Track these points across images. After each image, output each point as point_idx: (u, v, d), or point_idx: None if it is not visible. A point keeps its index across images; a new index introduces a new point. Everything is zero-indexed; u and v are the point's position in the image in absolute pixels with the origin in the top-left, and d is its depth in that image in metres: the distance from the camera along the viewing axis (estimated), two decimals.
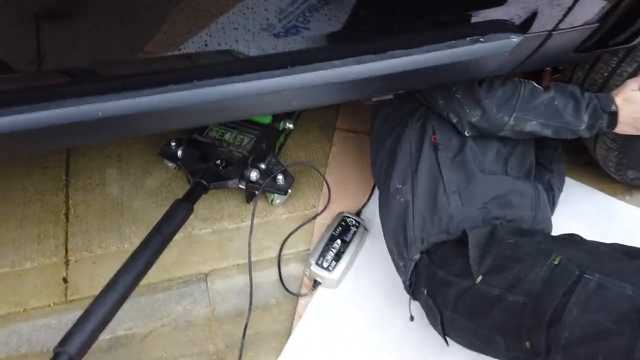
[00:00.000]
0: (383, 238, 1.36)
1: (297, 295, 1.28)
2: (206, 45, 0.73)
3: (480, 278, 0.95)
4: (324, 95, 0.90)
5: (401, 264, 1.14)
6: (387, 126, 1.28)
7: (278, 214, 1.41)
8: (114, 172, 1.43)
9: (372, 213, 1.41)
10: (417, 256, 1.09)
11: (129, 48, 0.71)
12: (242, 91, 0.81)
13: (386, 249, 1.34)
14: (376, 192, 1.46)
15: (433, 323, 1.08)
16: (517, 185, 1.14)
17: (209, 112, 0.83)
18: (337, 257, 1.28)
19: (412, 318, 1.21)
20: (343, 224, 1.34)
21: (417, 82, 0.95)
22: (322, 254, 1.28)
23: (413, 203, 1.11)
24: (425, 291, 1.07)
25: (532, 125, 1.08)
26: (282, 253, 1.34)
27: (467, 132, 1.13)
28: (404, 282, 1.15)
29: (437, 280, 1.04)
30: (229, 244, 1.34)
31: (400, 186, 1.15)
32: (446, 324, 1.03)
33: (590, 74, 1.29)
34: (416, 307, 1.18)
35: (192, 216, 1.17)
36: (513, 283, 0.91)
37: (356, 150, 1.55)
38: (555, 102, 1.07)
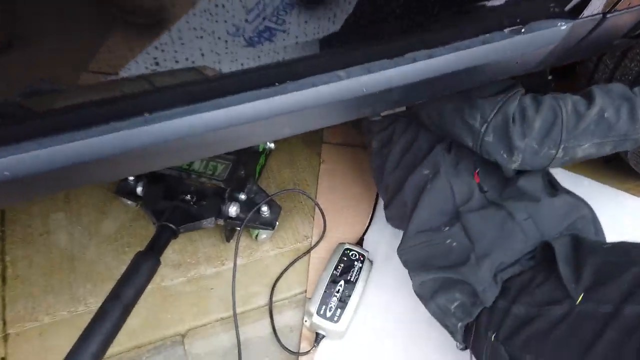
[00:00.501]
0: (389, 269, 1.15)
1: (297, 354, 1.06)
2: (157, 64, 0.50)
3: (581, 297, 0.77)
4: (325, 117, 0.67)
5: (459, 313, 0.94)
6: (401, 148, 1.08)
7: (265, 251, 1.18)
8: (61, 217, 1.18)
9: (374, 240, 1.19)
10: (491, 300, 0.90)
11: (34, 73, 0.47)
12: (212, 122, 0.58)
13: (395, 281, 1.13)
14: (378, 214, 1.25)
15: None
16: (578, 202, 0.97)
17: (169, 153, 0.60)
18: (342, 302, 1.06)
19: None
20: (344, 259, 1.12)
21: (446, 87, 0.73)
22: (324, 301, 1.06)
23: (474, 245, 0.93)
24: (492, 336, 0.87)
25: (585, 149, 0.89)
26: (274, 299, 1.11)
27: (513, 173, 0.98)
28: (454, 332, 0.96)
29: (512, 319, 0.85)
30: (209, 295, 1.11)
31: (447, 228, 0.96)
32: None
33: (622, 62, 1.11)
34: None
35: (161, 264, 0.94)
36: (630, 291, 0.73)
37: (349, 166, 1.33)
38: (606, 114, 0.87)
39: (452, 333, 0.98)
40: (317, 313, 1.05)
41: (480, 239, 0.93)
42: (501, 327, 0.86)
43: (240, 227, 1.08)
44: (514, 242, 0.91)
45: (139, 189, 1.07)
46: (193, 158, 0.94)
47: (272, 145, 1.21)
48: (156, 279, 1.11)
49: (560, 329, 0.77)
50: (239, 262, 1.16)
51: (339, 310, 1.05)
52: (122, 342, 1.03)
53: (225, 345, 1.05)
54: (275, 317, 1.09)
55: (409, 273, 1.01)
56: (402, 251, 1.01)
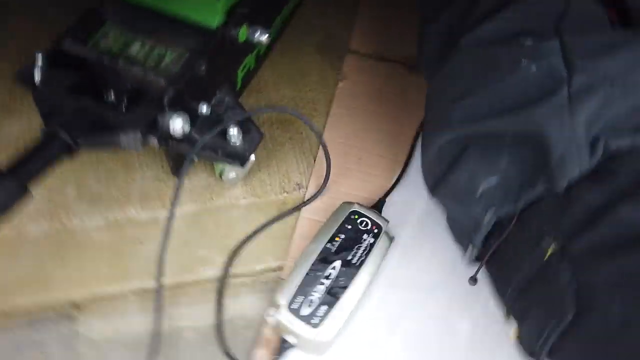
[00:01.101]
0: (420, 255, 0.74)
1: None
2: None
3: None
4: None
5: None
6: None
7: (233, 198, 0.78)
8: None
9: (402, 206, 0.77)
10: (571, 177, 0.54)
11: None
12: None
13: (428, 275, 0.73)
14: (413, 169, 0.82)
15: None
16: None
17: None
18: (332, 297, 0.66)
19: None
20: (349, 227, 0.71)
21: None
22: (303, 290, 0.66)
23: (572, 74, 0.56)
24: (552, 246, 0.53)
25: None
26: (232, 273, 0.72)
27: None
28: (470, 236, 0.65)
29: (607, 224, 0.50)
30: (134, 251, 0.73)
31: (529, 40, 0.59)
32: None
33: None
34: None
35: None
36: None
37: (380, 92, 0.90)
38: None
39: (467, 238, 0.65)
40: (288, 307, 0.65)
41: (587, 68, 0.54)
42: (575, 236, 0.51)
43: (190, 154, 0.68)
44: None
45: (37, 74, 0.68)
46: None
47: (263, 39, 0.77)
48: (59, 213, 0.74)
49: None
50: (191, 208, 0.77)
51: (323, 308, 0.65)
52: None
53: (137, 331, 0.67)
54: (226, 301, 0.70)
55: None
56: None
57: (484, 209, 0.60)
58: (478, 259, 0.65)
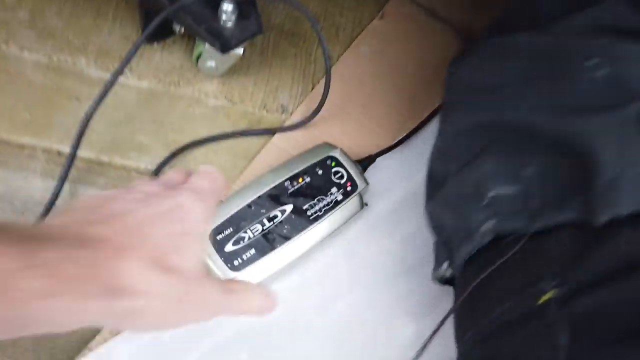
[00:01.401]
0: (392, 237, 0.62)
1: None
2: None
3: None
4: None
5: None
6: None
7: (202, 93, 0.64)
8: None
9: (391, 173, 0.64)
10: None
11: None
12: None
13: (392, 267, 0.61)
14: (419, 142, 0.68)
15: None
16: None
17: None
18: (267, 244, 0.53)
19: None
20: (319, 172, 0.58)
21: None
22: (235, 224, 0.53)
23: None
24: (552, 292, 0.40)
25: None
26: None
27: None
28: (457, 244, 0.50)
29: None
30: (67, 106, 0.60)
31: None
32: None
33: None
34: None
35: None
36: None
37: (417, 47, 0.75)
38: None
39: (447, 252, 0.51)
40: (214, 236, 0.53)
41: None
42: (588, 289, 0.39)
43: (161, 14, 0.55)
44: None
45: None
46: None
47: None
48: (0, 32, 0.61)
49: None
50: (150, 85, 0.64)
51: (251, 252, 0.53)
52: None
53: (30, 194, 0.55)
54: None
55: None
56: None
57: (486, 218, 0.46)
58: (448, 282, 0.51)
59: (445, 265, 0.50)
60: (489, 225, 0.46)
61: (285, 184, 0.56)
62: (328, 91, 0.63)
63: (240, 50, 0.60)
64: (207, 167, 0.37)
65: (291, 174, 0.57)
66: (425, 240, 0.60)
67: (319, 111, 0.64)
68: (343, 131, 0.66)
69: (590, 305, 0.38)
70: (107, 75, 0.62)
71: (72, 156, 0.55)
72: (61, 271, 0.25)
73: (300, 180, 0.57)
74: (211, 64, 0.62)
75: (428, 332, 0.54)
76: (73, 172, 0.56)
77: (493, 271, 0.44)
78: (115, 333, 0.51)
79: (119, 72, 0.54)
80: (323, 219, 0.56)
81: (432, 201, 0.54)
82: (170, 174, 0.37)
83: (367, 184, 0.59)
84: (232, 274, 0.52)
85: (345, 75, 0.70)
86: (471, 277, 0.46)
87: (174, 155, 0.60)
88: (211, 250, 0.52)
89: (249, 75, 0.67)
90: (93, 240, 0.28)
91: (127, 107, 0.61)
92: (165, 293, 0.30)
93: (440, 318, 0.55)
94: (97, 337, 0.51)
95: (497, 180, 0.46)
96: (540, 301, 0.40)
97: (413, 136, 0.67)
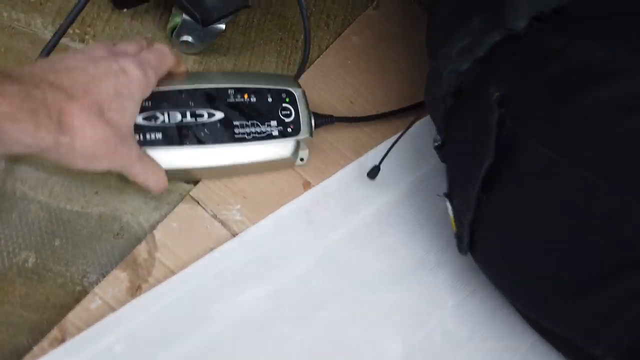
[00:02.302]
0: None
1: None
2: None
3: None
4: None
5: None
6: None
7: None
8: None
9: (383, 175, 0.59)
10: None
11: None
12: None
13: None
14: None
15: None
16: None
17: None
18: (178, 138, 0.47)
19: None
20: (269, 99, 0.51)
21: None
22: (160, 102, 0.47)
23: None
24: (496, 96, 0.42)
25: None
26: None
27: None
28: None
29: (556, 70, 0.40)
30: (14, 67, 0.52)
31: None
32: None
33: None
34: None
35: None
36: None
37: (413, 41, 0.70)
38: None
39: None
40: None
41: None
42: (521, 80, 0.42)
43: None
44: None
45: None
46: None
47: None
48: None
49: None
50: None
51: (156, 136, 0.46)
52: None
53: None
54: None
55: None
56: None
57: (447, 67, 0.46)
58: (440, 147, 0.52)
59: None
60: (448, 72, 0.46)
61: (229, 91, 0.49)
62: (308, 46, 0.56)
63: (222, 26, 0.53)
64: (160, 46, 0.45)
65: (240, 85, 0.50)
66: (411, 249, 0.55)
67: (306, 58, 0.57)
68: (326, 128, 0.60)
69: (524, 89, 0.41)
70: (65, 40, 0.54)
71: None
72: (23, 103, 0.33)
73: (245, 96, 0.50)
74: (187, 38, 0.55)
75: (417, 352, 0.49)
76: None
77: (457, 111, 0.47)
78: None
79: (64, 31, 0.46)
80: (246, 144, 0.49)
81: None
82: (125, 43, 0.44)
83: (311, 137, 0.53)
84: None
85: (331, 64, 0.64)
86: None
87: None
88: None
89: (229, 56, 0.60)
90: (51, 86, 0.36)
91: None
92: (98, 139, 0.38)
93: (429, 335, 0.50)
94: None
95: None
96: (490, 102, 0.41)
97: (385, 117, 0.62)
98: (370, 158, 0.58)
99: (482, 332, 0.53)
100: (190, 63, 0.58)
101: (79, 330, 0.43)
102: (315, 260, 0.52)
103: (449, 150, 0.50)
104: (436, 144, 0.52)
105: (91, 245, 0.48)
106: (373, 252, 0.54)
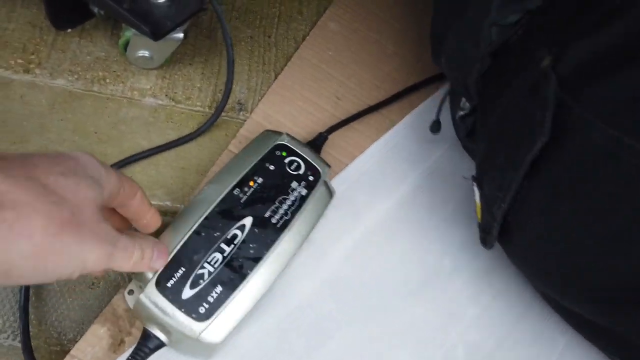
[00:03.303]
0: (371, 224, 0.51)
1: None
2: None
3: None
4: None
5: None
6: None
7: (134, 91, 0.51)
8: None
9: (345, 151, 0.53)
10: None
11: None
12: None
13: (376, 250, 0.50)
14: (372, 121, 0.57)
15: None
16: None
17: None
18: (235, 274, 0.40)
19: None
20: (271, 167, 0.45)
21: None
22: (185, 259, 0.40)
23: None
24: (549, 62, 0.35)
25: None
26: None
27: None
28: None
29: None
30: None
31: None
32: None
33: None
34: None
35: None
36: None
37: (388, 13, 0.64)
38: None
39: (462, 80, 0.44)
40: (156, 284, 0.40)
41: None
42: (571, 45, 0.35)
43: None
44: None
45: None
46: None
47: None
48: None
49: None
50: (68, 83, 0.50)
51: (218, 290, 0.40)
52: None
53: None
54: None
55: None
56: None
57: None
58: (464, 117, 0.47)
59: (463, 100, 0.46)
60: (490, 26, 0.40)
61: (235, 192, 0.44)
62: (230, 89, 0.49)
63: (179, 35, 0.47)
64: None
65: (238, 178, 0.44)
66: (421, 257, 0.49)
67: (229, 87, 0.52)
68: (297, 121, 0.54)
69: (576, 56, 0.34)
70: (6, 74, 0.48)
71: None
72: None
73: (251, 183, 0.44)
74: (144, 53, 0.49)
75: None
76: None
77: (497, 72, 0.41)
78: None
79: None
80: (293, 222, 0.44)
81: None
82: None
83: (329, 166, 0.48)
84: (202, 326, 0.39)
85: (309, 58, 0.57)
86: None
87: None
88: (164, 303, 0.39)
89: (195, 65, 0.54)
90: None
91: (38, 115, 0.47)
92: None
93: (450, 351, 0.45)
94: None
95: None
96: (539, 70, 0.36)
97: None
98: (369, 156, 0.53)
99: (509, 340, 0.48)
100: (152, 79, 0.52)
101: None
102: (320, 284, 0.46)
103: (483, 124, 0.43)
104: (462, 112, 0.45)
105: (64, 299, 0.42)
106: (380, 265, 0.49)
